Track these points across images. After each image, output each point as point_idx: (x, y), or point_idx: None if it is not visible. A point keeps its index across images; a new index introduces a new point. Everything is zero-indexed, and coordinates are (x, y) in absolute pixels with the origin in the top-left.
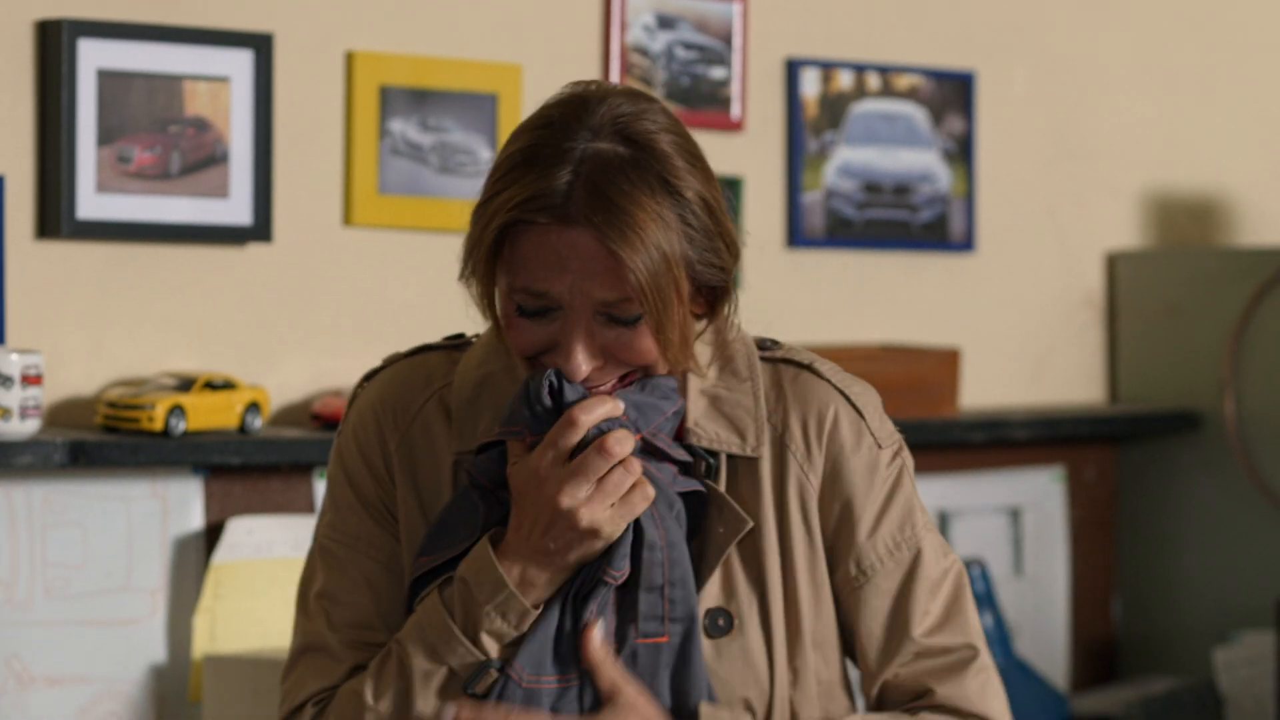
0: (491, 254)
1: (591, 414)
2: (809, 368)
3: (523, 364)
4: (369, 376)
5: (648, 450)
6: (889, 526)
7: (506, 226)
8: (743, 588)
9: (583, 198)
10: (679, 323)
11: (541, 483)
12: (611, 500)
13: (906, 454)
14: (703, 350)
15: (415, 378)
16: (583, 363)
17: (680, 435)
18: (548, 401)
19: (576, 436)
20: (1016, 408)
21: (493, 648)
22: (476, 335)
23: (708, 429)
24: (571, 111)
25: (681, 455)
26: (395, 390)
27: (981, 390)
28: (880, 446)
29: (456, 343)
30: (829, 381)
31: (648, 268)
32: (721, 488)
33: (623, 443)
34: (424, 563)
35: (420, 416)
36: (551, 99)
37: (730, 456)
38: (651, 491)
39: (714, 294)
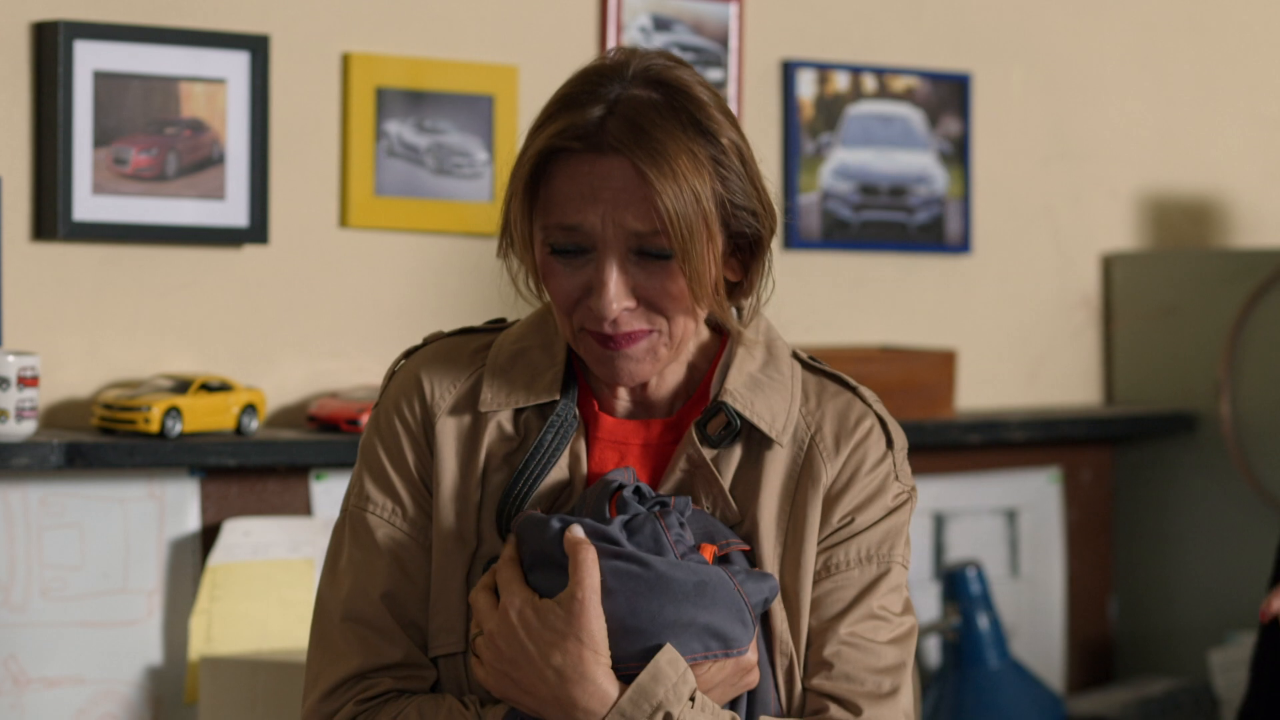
0: (528, 194)
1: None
2: (855, 390)
3: (564, 324)
4: (409, 353)
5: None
6: (870, 539)
7: (541, 162)
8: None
9: (616, 128)
10: (708, 263)
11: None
12: None
13: (915, 501)
14: (752, 337)
15: (457, 355)
16: (614, 299)
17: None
18: (552, 531)
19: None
20: (1013, 409)
21: None
22: (516, 320)
23: (743, 396)
24: (608, 66)
25: (741, 547)
26: (437, 365)
27: (978, 391)
28: (896, 479)
29: (498, 326)
30: (870, 407)
31: (677, 197)
32: (735, 460)
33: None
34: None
35: (460, 392)
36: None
37: (749, 441)
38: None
39: (749, 258)
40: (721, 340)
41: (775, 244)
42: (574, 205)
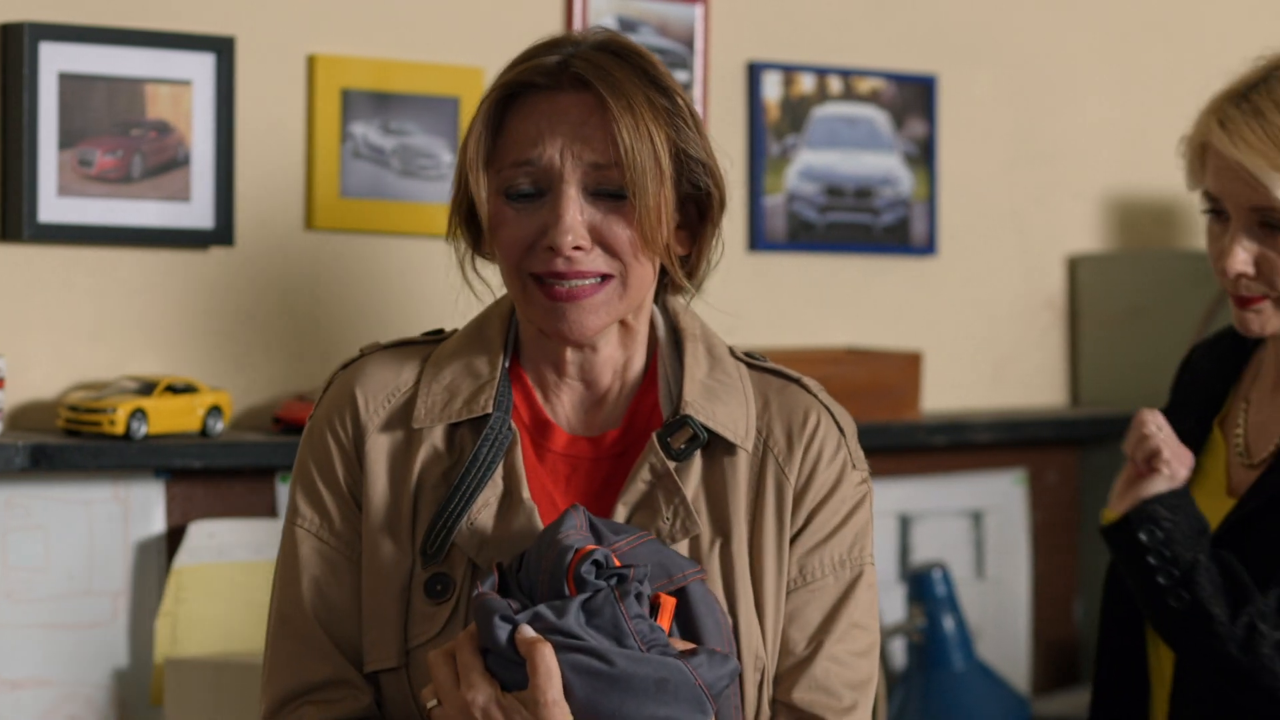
0: (488, 134)
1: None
2: (797, 381)
3: (513, 280)
4: (345, 365)
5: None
6: (841, 542)
7: (500, 103)
8: (718, 594)
9: (578, 66)
10: (661, 205)
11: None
12: None
13: (871, 485)
14: (692, 324)
15: (392, 368)
16: (571, 228)
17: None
18: (503, 644)
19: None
20: (978, 410)
21: None
22: (454, 330)
23: (703, 406)
24: (561, 36)
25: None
26: (372, 379)
27: (943, 393)
28: (854, 466)
29: (436, 338)
30: (815, 397)
31: (634, 132)
32: (696, 469)
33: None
34: None
35: (394, 407)
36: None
37: (707, 450)
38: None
39: (697, 229)
40: (655, 343)
41: (740, 246)
42: (531, 139)
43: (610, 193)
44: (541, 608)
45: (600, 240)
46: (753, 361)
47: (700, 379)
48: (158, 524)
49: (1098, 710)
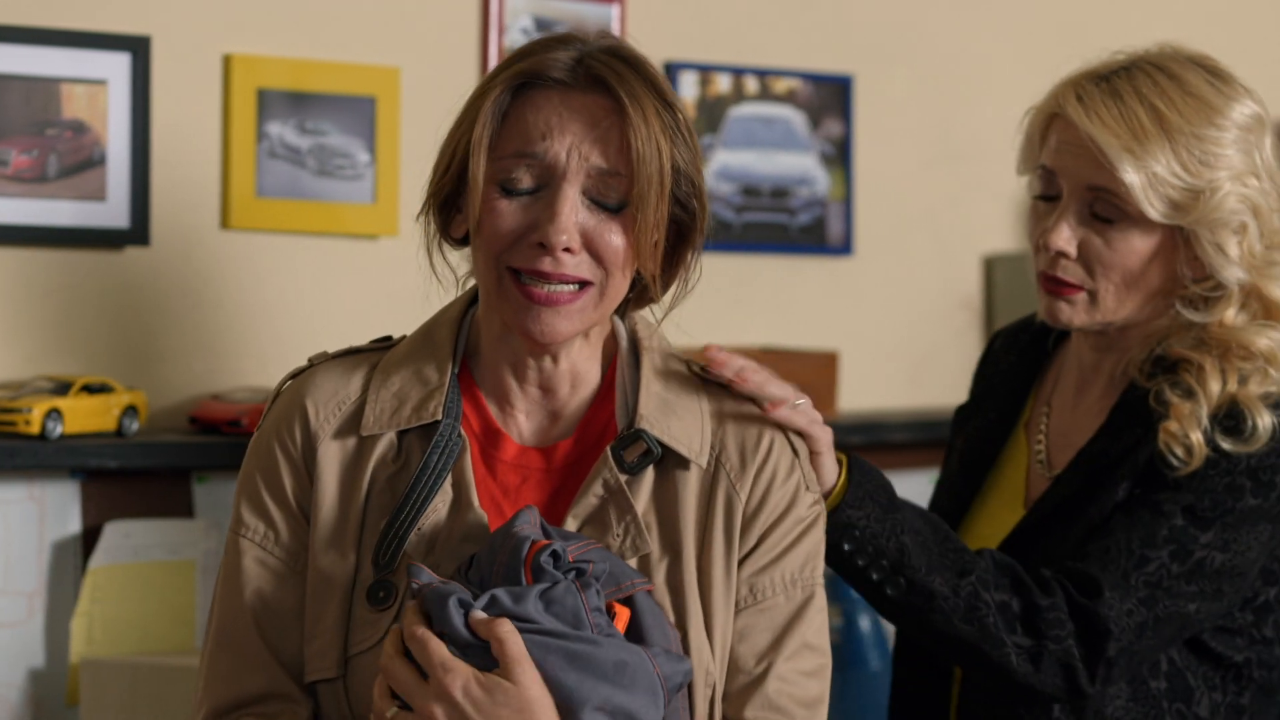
0: (492, 127)
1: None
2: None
3: (490, 272)
4: (294, 375)
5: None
6: (792, 562)
7: (508, 91)
8: (667, 610)
9: (596, 69)
10: (659, 219)
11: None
12: None
13: (823, 507)
14: (649, 336)
15: (342, 377)
16: (566, 229)
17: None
18: (460, 629)
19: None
20: (895, 410)
21: None
22: (403, 336)
23: (659, 421)
24: (565, 34)
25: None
26: (322, 388)
27: (860, 393)
28: (807, 488)
29: (384, 345)
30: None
31: (647, 141)
32: (648, 484)
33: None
34: None
35: (345, 415)
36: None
37: (660, 464)
38: None
39: (673, 248)
40: (613, 353)
41: None
42: (540, 132)
43: (607, 204)
44: (498, 592)
45: (589, 246)
46: (708, 376)
47: (656, 392)
48: (73, 524)
49: (896, 697)
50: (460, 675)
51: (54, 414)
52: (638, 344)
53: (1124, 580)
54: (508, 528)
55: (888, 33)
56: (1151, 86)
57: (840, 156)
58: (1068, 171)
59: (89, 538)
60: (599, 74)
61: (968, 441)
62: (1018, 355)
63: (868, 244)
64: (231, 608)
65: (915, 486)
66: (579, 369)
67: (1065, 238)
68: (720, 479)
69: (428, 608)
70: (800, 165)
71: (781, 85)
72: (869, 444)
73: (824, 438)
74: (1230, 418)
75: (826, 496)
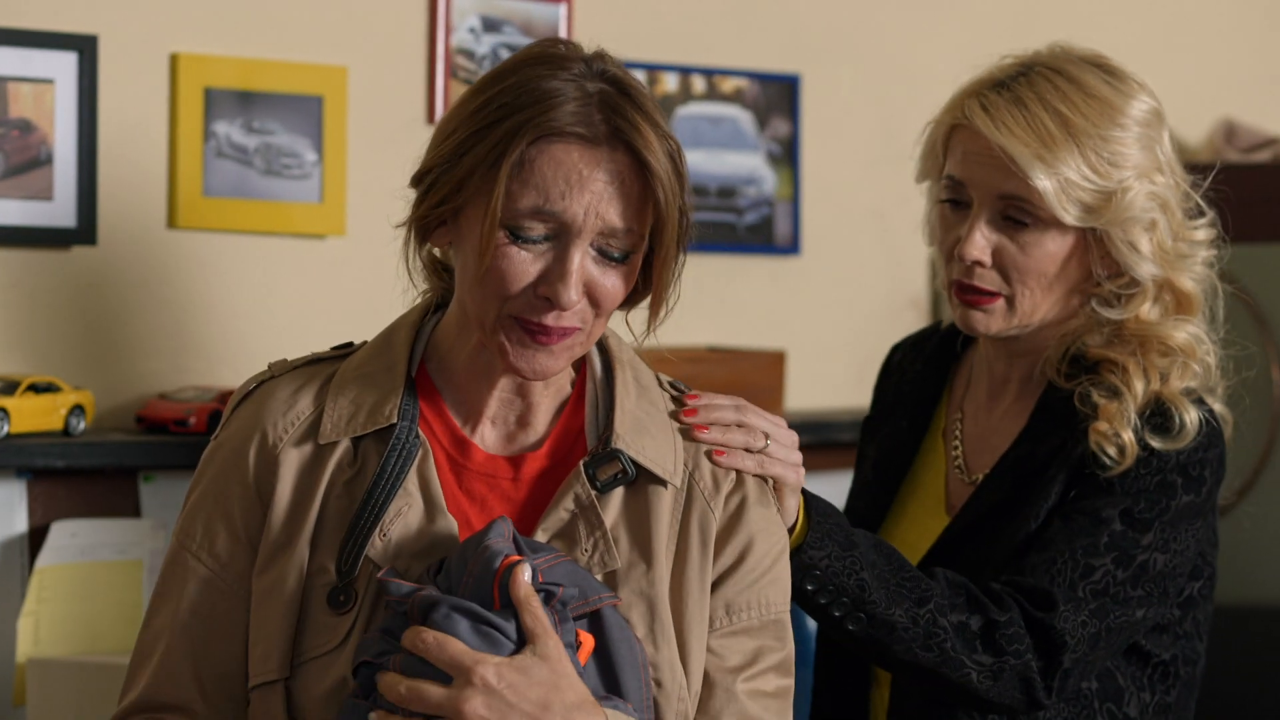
0: (505, 175)
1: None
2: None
3: (487, 309)
4: (258, 384)
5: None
6: (764, 587)
7: (526, 142)
8: (639, 627)
9: (611, 119)
10: (672, 260)
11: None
12: None
13: (787, 538)
14: (620, 349)
15: (302, 385)
16: (575, 287)
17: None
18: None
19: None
20: (842, 410)
21: None
22: (364, 342)
23: (634, 440)
24: (552, 55)
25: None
26: (280, 397)
27: (807, 392)
28: (777, 509)
29: (344, 352)
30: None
31: (668, 201)
32: (618, 501)
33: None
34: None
35: (305, 423)
36: (515, 54)
37: (631, 485)
38: None
39: (650, 265)
40: (582, 361)
41: None
42: (559, 191)
43: (612, 255)
44: (471, 604)
45: (589, 293)
46: (678, 392)
47: (630, 409)
48: (20, 523)
49: (819, 702)
50: (490, 663)
51: (0, 413)
52: (609, 354)
53: (1073, 592)
54: (480, 538)
55: (835, 32)
56: (1053, 91)
57: (787, 156)
58: (977, 181)
59: (35, 537)
60: (618, 127)
61: (880, 449)
62: (924, 363)
63: (815, 243)
64: (164, 613)
65: None
66: (550, 395)
67: (980, 247)
68: (695, 498)
69: (429, 620)
70: (747, 165)
71: (728, 85)
72: (816, 443)
73: (794, 480)
74: (1157, 415)
75: (790, 534)
